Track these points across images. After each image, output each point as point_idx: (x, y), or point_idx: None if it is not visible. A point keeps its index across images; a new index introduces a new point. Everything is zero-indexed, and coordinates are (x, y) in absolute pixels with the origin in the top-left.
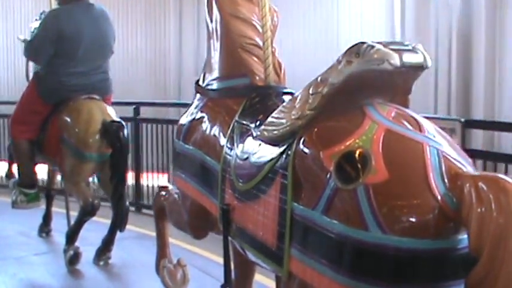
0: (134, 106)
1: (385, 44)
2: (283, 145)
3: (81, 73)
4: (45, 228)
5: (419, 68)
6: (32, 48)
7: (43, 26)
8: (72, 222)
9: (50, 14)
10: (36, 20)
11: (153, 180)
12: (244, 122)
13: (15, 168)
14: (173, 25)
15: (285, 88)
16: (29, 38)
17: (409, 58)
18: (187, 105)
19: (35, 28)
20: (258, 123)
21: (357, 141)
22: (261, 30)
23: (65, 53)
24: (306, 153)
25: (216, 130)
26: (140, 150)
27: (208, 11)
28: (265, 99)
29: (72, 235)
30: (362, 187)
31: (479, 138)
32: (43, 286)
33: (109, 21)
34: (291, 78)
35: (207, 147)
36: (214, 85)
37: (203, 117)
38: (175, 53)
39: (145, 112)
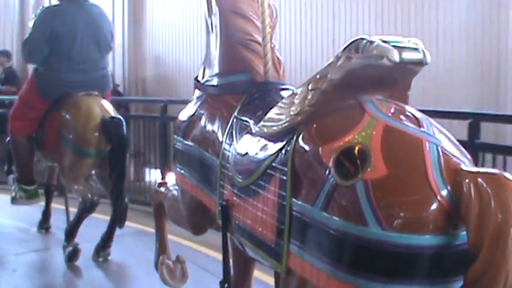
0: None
1: (385, 40)
2: (282, 141)
3: (80, 69)
4: (44, 225)
5: (419, 64)
6: (26, 49)
7: (36, 25)
8: (72, 218)
9: (42, 13)
10: (33, 17)
11: None
12: (243, 118)
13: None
14: None
15: (284, 84)
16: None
17: (409, 54)
18: None
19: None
20: (257, 119)
21: (356, 137)
22: (260, 26)
23: (61, 50)
24: (305, 149)
25: (215, 126)
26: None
27: (208, 7)
28: (265, 95)
29: (71, 231)
30: (361, 183)
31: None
32: (42, 282)
33: (105, 17)
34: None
35: (206, 144)
36: (214, 81)
37: (202, 113)
38: None
39: None
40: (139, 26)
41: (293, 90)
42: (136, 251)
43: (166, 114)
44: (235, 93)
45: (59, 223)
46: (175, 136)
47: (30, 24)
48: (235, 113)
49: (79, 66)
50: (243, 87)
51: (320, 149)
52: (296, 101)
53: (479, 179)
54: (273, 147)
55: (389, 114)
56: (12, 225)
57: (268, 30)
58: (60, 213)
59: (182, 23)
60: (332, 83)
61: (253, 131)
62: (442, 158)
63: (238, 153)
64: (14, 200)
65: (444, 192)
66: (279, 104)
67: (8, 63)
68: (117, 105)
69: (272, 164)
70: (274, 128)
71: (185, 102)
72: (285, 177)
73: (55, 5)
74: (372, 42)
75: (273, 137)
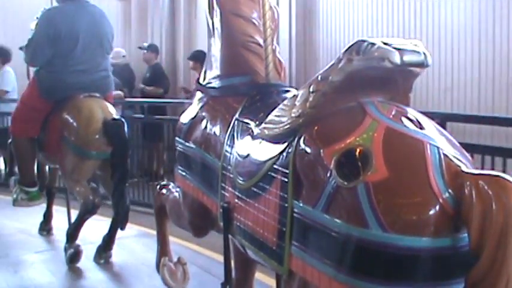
0: None
1: (386, 42)
2: (283, 143)
3: (81, 71)
4: (45, 226)
5: (420, 66)
6: (29, 52)
7: (38, 27)
8: (73, 220)
9: (44, 15)
10: (36, 19)
11: None
12: (244, 120)
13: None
14: None
15: (286, 86)
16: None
17: (410, 57)
18: None
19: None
20: (258, 121)
21: (358, 139)
22: (261, 28)
23: (63, 52)
24: (306, 151)
25: (216, 128)
26: None
27: (209, 9)
28: (266, 97)
29: (72, 233)
30: (362, 185)
31: None
32: (44, 284)
33: (106, 18)
34: None
35: (208, 146)
36: (215, 83)
37: (204, 115)
38: None
39: None
40: (311, 19)
41: (294, 92)
42: (138, 252)
43: None
44: (236, 95)
45: (60, 225)
46: (177, 138)
47: (32, 26)
48: (237, 115)
49: (80, 67)
50: (245, 89)
51: (321, 151)
52: (297, 103)
53: (481, 181)
54: (275, 149)
55: (391, 117)
56: (13, 226)
57: (269, 32)
58: (62, 215)
59: (363, 12)
60: (333, 85)
61: (255, 133)
62: (443, 160)
63: (239, 155)
64: (15, 202)
65: (445, 195)
66: (281, 106)
67: (155, 60)
68: None
69: (273, 166)
70: (276, 130)
71: None
72: (286, 179)
73: (57, 6)
74: (373, 44)
75: (274, 139)
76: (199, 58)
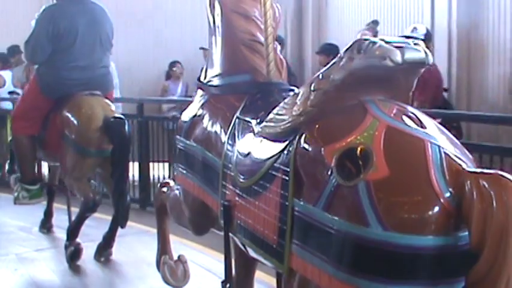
0: None
1: (387, 41)
2: (284, 141)
3: (81, 67)
4: (46, 224)
5: (421, 64)
6: (29, 49)
7: (37, 25)
8: (73, 218)
9: (43, 12)
10: (36, 16)
11: None
12: (245, 119)
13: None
14: None
15: (287, 85)
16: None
17: (411, 55)
18: None
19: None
20: (259, 119)
21: (358, 137)
22: (262, 26)
23: (62, 48)
24: (307, 149)
25: (217, 126)
26: None
27: (211, 7)
28: (267, 95)
29: (73, 231)
30: (363, 183)
31: None
32: (44, 282)
33: (106, 15)
34: None
35: (209, 144)
36: (216, 81)
37: (204, 113)
38: None
39: None
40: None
41: (295, 91)
42: (138, 250)
43: None
44: (237, 93)
45: (60, 223)
46: (178, 136)
47: (33, 23)
48: (238, 113)
49: (79, 63)
50: (246, 88)
51: (322, 149)
52: (298, 102)
53: (481, 180)
54: (275, 148)
55: (392, 115)
56: (13, 224)
57: (270, 31)
58: (62, 213)
59: None
60: (334, 83)
61: (256, 131)
62: (444, 159)
63: (240, 154)
64: (16, 200)
65: (446, 193)
66: (281, 105)
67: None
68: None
69: (274, 165)
70: (277, 128)
71: None
72: (287, 178)
73: (56, 4)
74: (374, 43)
75: (275, 138)
76: (331, 52)
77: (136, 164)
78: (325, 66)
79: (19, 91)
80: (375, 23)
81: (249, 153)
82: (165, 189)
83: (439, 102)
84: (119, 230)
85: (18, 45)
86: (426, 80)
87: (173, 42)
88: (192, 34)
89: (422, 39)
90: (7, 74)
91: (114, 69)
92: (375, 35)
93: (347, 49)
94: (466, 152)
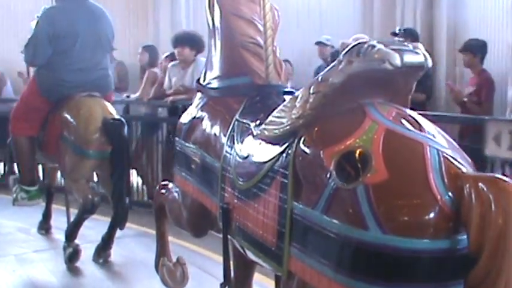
0: None
1: (386, 44)
2: (283, 144)
3: (80, 69)
4: (44, 226)
5: (420, 68)
6: (30, 51)
7: (38, 26)
8: (72, 219)
9: (43, 14)
10: (36, 18)
11: None
12: (244, 121)
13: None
14: None
15: (286, 87)
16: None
17: (410, 58)
18: None
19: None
20: (258, 122)
21: (357, 141)
22: (262, 29)
23: (62, 50)
24: (306, 152)
25: (216, 129)
26: None
27: (210, 10)
28: (266, 98)
29: (71, 232)
30: (362, 187)
31: None
32: (42, 283)
33: (106, 17)
34: None
35: (208, 146)
36: (215, 84)
37: (204, 116)
38: None
39: None
40: None
41: (294, 93)
42: (137, 252)
43: None
44: (236, 96)
45: (59, 224)
46: (177, 138)
47: (33, 25)
48: (237, 116)
49: (79, 65)
50: (245, 90)
51: (321, 152)
52: (297, 105)
53: (480, 183)
54: (274, 150)
55: (391, 118)
56: (12, 225)
57: (269, 33)
58: (61, 214)
59: None
60: (333, 86)
61: (255, 133)
62: (442, 162)
63: (239, 156)
64: (15, 201)
65: (445, 196)
66: (281, 107)
67: None
68: None
69: (273, 167)
70: (276, 131)
71: None
72: (286, 181)
73: (57, 5)
74: (373, 46)
75: (274, 140)
76: (478, 50)
77: None
78: (468, 66)
79: None
80: None
81: (248, 156)
82: (164, 191)
83: None
84: (118, 232)
85: None
86: None
87: None
88: None
89: None
90: None
91: None
92: None
93: (346, 52)
94: (465, 155)
